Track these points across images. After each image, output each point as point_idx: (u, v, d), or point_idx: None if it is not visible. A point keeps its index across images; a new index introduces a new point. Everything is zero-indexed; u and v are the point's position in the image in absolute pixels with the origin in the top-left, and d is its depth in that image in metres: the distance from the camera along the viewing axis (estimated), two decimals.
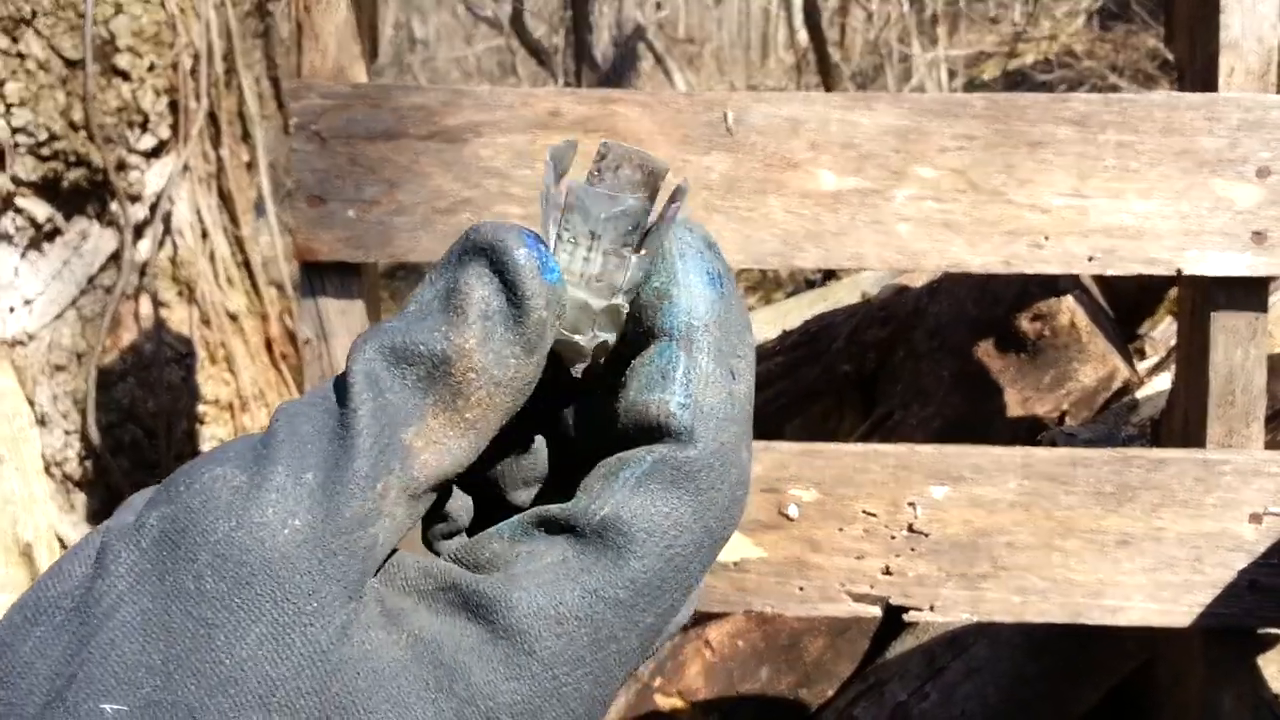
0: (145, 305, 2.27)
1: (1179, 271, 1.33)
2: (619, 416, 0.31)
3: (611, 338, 0.32)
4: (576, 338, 0.31)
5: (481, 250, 0.30)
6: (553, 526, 0.30)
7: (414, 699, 0.26)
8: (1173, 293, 2.03)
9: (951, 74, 7.17)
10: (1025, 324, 1.80)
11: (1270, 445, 1.49)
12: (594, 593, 0.29)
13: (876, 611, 1.41)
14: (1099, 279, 2.00)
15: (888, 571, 1.38)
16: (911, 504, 1.37)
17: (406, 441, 0.28)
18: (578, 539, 0.29)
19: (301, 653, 0.25)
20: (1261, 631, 1.44)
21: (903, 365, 1.92)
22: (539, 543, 0.30)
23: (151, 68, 2.21)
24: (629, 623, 0.29)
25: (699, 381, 0.31)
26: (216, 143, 2.35)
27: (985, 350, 1.83)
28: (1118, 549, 1.35)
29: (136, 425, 2.26)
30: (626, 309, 0.32)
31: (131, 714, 0.24)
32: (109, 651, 0.25)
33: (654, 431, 0.30)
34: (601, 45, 7.17)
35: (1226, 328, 1.34)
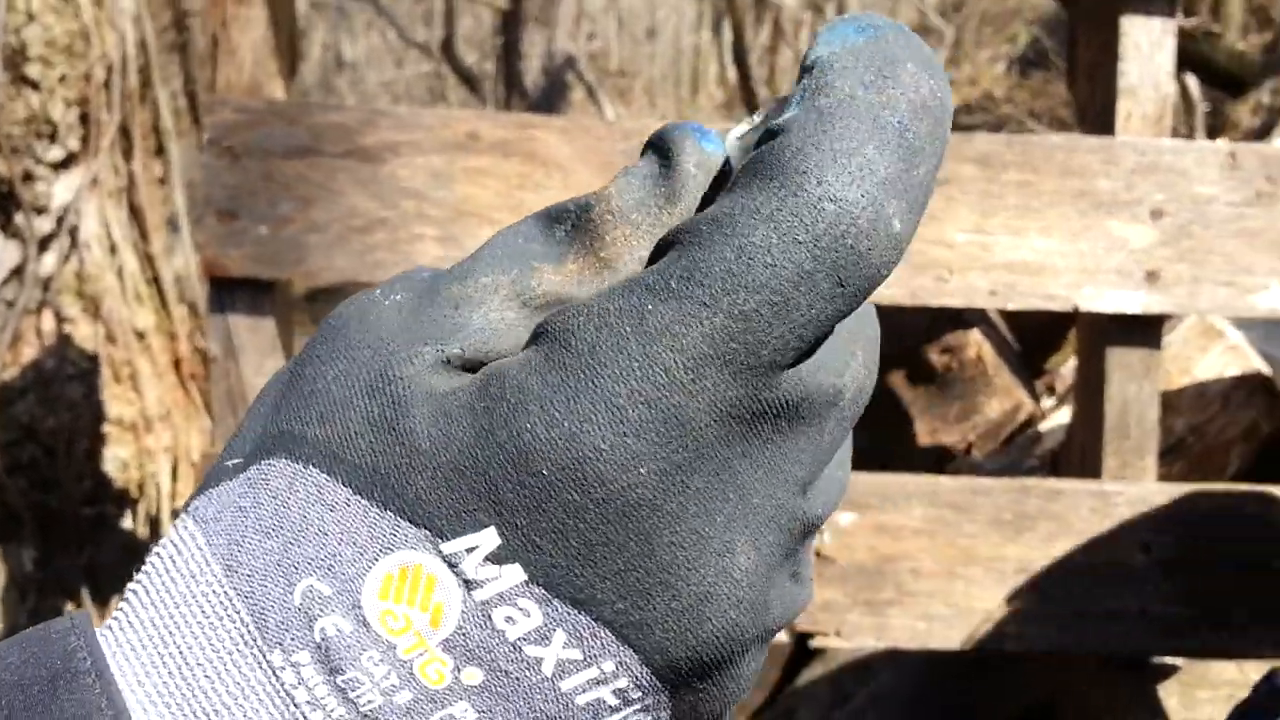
0: (48, 320, 2.22)
1: (1076, 308, 1.37)
2: None
3: None
4: None
5: (650, 139, 0.30)
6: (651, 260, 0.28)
7: (455, 409, 0.26)
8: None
9: None
10: (934, 356, 1.83)
11: (1165, 478, 1.54)
12: (637, 283, 0.26)
13: (784, 637, 1.42)
14: (1008, 315, 2.05)
15: None
16: (820, 529, 1.38)
17: (536, 265, 0.29)
18: (654, 259, 0.27)
19: (364, 379, 0.27)
20: (1158, 661, 1.48)
21: None
22: None
23: (63, 78, 2.17)
24: (682, 314, 0.25)
25: (811, 93, 0.26)
26: (128, 156, 2.31)
27: (896, 381, 1.87)
28: (1016, 577, 1.38)
29: (35, 444, 2.20)
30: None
31: (241, 464, 0.27)
32: (243, 425, 0.29)
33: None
34: (532, 74, 7.19)
35: (1121, 364, 1.38)
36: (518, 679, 0.26)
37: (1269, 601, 1.37)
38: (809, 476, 0.28)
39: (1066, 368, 2.18)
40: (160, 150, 2.45)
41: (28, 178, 2.15)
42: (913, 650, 1.52)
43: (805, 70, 0.27)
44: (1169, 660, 1.53)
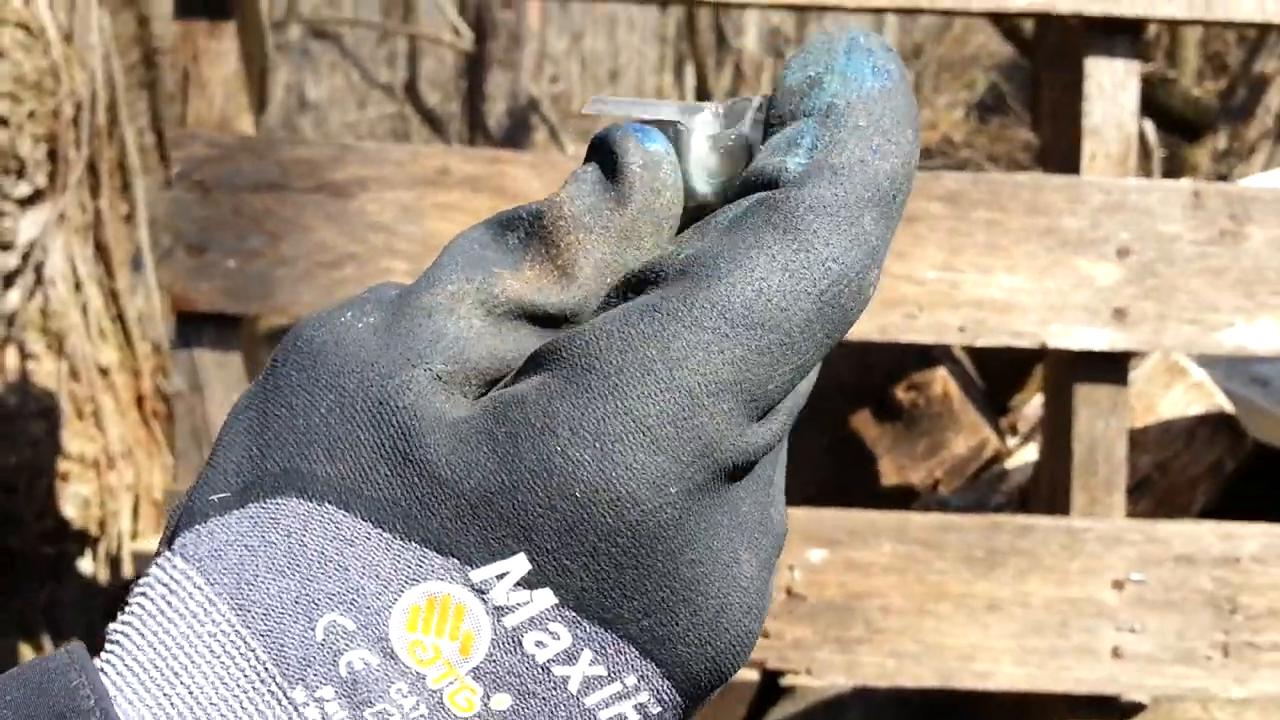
0: (12, 356, 2.19)
1: (1044, 345, 1.39)
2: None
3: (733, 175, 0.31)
4: (697, 185, 0.31)
5: (593, 143, 0.31)
6: (638, 282, 0.28)
7: (471, 436, 0.26)
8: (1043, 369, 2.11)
9: None
10: (901, 393, 1.84)
11: (1131, 515, 1.55)
12: (657, 308, 0.26)
13: (754, 675, 1.41)
14: (972, 353, 2.07)
15: (765, 635, 1.38)
16: (790, 567, 1.38)
17: (495, 271, 0.29)
18: (660, 283, 0.27)
19: (365, 410, 0.27)
20: (1126, 700, 1.48)
21: None
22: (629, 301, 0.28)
23: (32, 114, 2.15)
24: (705, 342, 0.26)
25: (826, 147, 0.28)
26: (95, 193, 2.29)
27: (862, 419, 1.87)
28: (987, 614, 1.38)
29: None
30: (746, 143, 0.30)
31: (232, 497, 0.27)
32: (219, 456, 0.28)
33: (763, 185, 0.28)
34: (496, 115, 7.21)
35: (1089, 400, 1.39)
36: (544, 699, 0.26)
37: (1236, 639, 1.38)
38: (779, 481, 0.30)
39: (1029, 407, 2.20)
40: (126, 188, 2.44)
41: None
42: (882, 688, 1.51)
43: (817, 111, 0.28)
44: (1136, 699, 1.54)
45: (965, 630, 1.38)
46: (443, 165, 1.39)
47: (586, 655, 0.26)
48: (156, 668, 0.25)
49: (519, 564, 0.26)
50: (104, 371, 2.28)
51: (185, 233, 1.37)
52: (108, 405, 2.26)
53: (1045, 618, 1.38)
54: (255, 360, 1.51)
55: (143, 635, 0.26)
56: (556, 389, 0.26)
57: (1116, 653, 1.38)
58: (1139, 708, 1.58)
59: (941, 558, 1.38)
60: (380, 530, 0.26)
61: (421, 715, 0.25)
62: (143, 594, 0.27)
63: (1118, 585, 1.38)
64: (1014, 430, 2.10)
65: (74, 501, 2.23)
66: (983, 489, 1.80)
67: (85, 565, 2.26)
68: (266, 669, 0.25)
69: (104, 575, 2.27)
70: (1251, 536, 1.39)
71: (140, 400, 2.36)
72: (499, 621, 0.26)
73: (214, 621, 0.26)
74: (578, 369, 0.26)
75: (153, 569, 0.27)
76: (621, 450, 0.25)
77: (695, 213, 0.31)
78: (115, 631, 0.26)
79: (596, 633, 0.26)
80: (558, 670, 0.26)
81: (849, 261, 0.27)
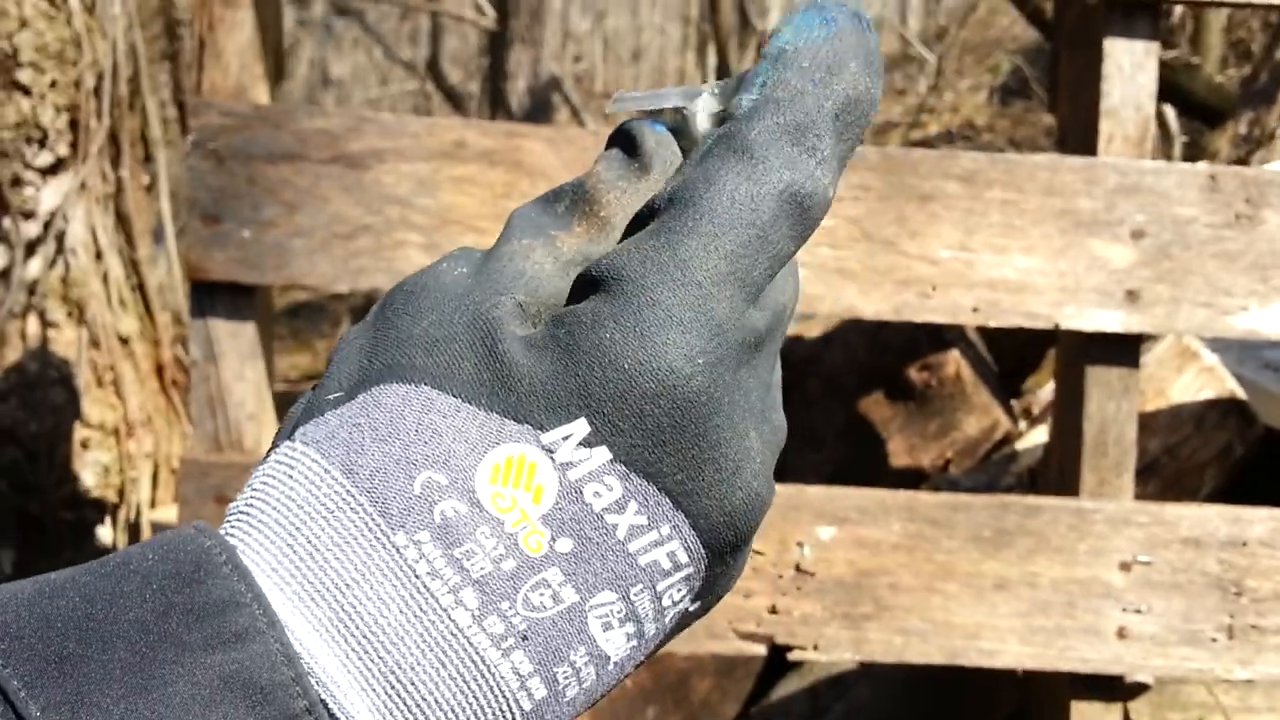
0: (33, 324, 2.21)
1: (1057, 326, 1.39)
2: None
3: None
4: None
5: (614, 133, 0.38)
6: (642, 217, 0.34)
7: (540, 340, 0.32)
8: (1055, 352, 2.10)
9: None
10: (914, 374, 1.85)
11: (1139, 498, 1.55)
12: (661, 227, 0.33)
13: (761, 650, 1.42)
14: (985, 335, 2.07)
15: (774, 610, 1.39)
16: (800, 544, 1.39)
17: (553, 233, 0.36)
18: (657, 213, 0.34)
19: (461, 321, 0.33)
20: (1131, 680, 1.48)
21: (796, 412, 1.95)
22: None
23: (54, 84, 2.17)
24: (703, 244, 0.32)
25: (773, 84, 0.34)
26: (116, 163, 2.31)
27: (875, 399, 1.88)
28: (995, 593, 1.39)
29: (17, 447, 2.19)
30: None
31: (343, 396, 0.33)
32: (333, 369, 0.34)
33: (725, 122, 0.35)
34: (518, 94, 7.20)
35: (1100, 382, 1.39)
36: (598, 544, 0.31)
37: (1241, 621, 1.39)
38: (776, 387, 0.36)
39: (1044, 391, 2.19)
40: (148, 158, 2.45)
41: (16, 182, 2.14)
42: (889, 664, 1.52)
43: (770, 56, 0.35)
44: (1140, 679, 1.54)
45: (972, 609, 1.39)
46: (459, 138, 1.39)
47: (633, 506, 0.31)
48: (280, 525, 0.30)
49: (580, 427, 0.31)
50: (124, 340, 2.30)
51: (200, 202, 1.38)
52: (128, 374, 2.28)
53: (1052, 597, 1.38)
54: (269, 331, 1.52)
55: (266, 502, 0.31)
56: (601, 299, 0.32)
57: (1122, 633, 1.38)
58: (1142, 688, 1.59)
59: (950, 537, 1.38)
60: (468, 404, 0.32)
61: (500, 555, 0.31)
62: (265, 475, 0.32)
63: (1125, 566, 1.38)
64: (1028, 414, 2.10)
65: (93, 469, 2.26)
66: (993, 470, 1.80)
67: (104, 533, 2.29)
68: (374, 519, 0.30)
69: (122, 543, 2.29)
70: (1259, 520, 1.39)
71: (160, 369, 2.38)
72: (564, 475, 0.31)
73: (328, 485, 0.31)
74: (611, 281, 0.32)
75: (273, 455, 0.32)
76: (657, 331, 0.31)
77: None
78: (236, 509, 0.31)
79: (641, 485, 0.31)
80: (609, 518, 0.31)
81: (801, 169, 0.33)
